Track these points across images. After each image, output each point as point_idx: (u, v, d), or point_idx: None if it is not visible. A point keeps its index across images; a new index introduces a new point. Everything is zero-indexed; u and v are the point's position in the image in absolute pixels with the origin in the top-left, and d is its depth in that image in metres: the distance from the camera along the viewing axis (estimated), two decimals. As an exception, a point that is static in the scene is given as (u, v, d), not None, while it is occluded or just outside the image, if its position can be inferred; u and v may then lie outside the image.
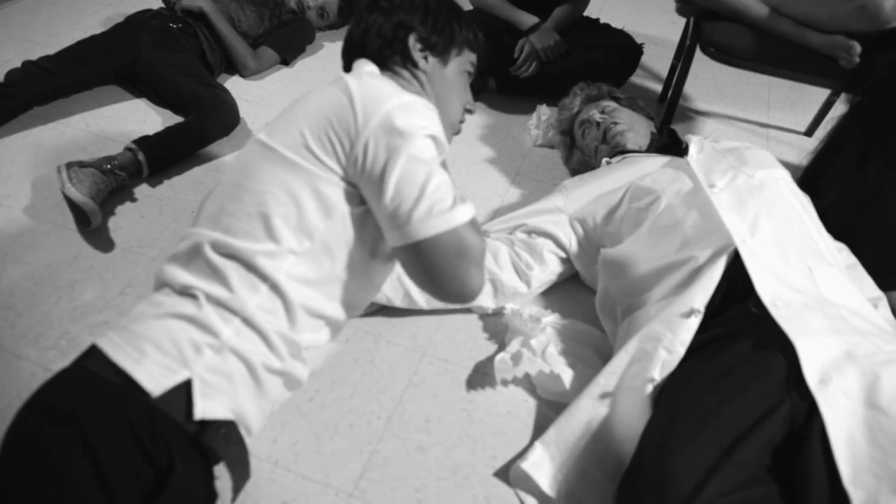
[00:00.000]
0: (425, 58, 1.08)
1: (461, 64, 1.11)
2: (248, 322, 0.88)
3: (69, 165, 1.63)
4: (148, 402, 0.79)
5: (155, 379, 0.81)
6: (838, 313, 1.20)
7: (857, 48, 1.61)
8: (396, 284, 1.37)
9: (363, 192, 0.92)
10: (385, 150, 0.87)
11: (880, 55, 1.55)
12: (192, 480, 0.81)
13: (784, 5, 1.70)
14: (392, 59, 1.07)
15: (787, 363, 1.11)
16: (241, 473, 0.89)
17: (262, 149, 0.94)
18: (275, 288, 0.89)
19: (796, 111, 2.27)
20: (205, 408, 0.82)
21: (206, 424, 0.83)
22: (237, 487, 0.90)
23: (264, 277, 0.89)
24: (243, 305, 0.88)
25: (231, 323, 0.87)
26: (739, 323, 1.21)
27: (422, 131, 0.89)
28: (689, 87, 2.36)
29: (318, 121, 0.90)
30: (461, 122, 1.15)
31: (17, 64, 1.92)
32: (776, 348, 1.13)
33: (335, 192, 0.90)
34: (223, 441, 0.84)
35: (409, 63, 1.07)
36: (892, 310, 1.48)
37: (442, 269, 0.88)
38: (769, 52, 1.70)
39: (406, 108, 0.89)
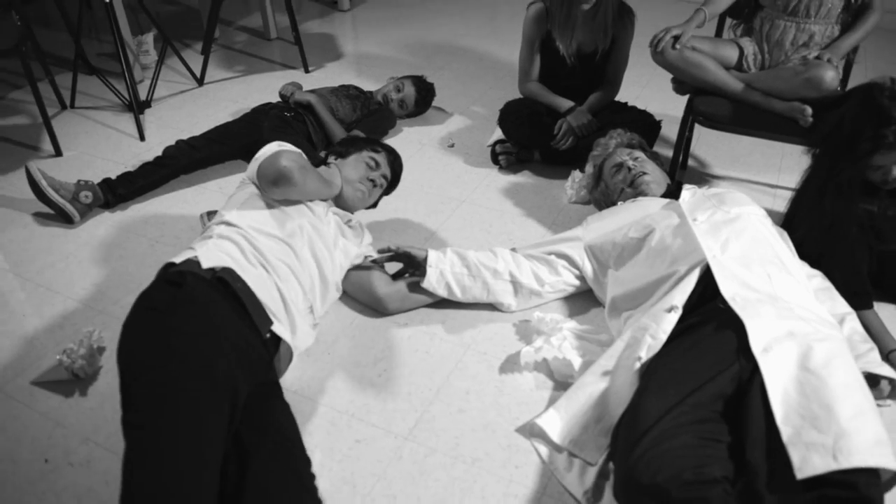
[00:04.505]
0: (334, 159, 2.01)
1: (358, 158, 1.99)
2: (223, 234, 1.63)
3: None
4: (179, 267, 1.50)
5: (181, 259, 1.53)
6: (787, 306, 1.54)
7: (809, 110, 2.01)
8: (439, 277, 1.82)
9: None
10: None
11: (828, 114, 1.93)
12: (203, 288, 1.44)
13: (754, 81, 2.13)
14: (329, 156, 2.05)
15: (738, 338, 1.46)
16: (254, 303, 1.49)
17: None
18: (228, 224, 1.66)
19: (804, 175, 2.60)
20: (206, 260, 1.51)
21: (217, 272, 1.48)
22: (259, 319, 1.49)
23: (225, 221, 1.67)
24: (218, 227, 1.66)
25: (219, 229, 1.65)
26: (708, 315, 1.56)
27: (278, 148, 1.75)
28: (710, 157, 2.76)
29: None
30: (363, 184, 1.95)
31: (167, 146, 2.56)
32: (732, 329, 1.48)
33: (252, 188, 1.77)
34: (230, 275, 1.49)
35: (329, 160, 2.02)
36: (862, 325, 1.77)
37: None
38: (744, 117, 2.12)
39: (273, 147, 1.76)
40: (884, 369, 1.63)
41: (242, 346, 1.40)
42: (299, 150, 1.80)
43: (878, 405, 1.64)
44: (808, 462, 1.24)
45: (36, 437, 1.57)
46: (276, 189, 1.68)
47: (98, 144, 2.85)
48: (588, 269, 1.93)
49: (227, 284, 1.47)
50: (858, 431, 1.25)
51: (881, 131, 1.70)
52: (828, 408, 1.29)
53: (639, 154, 2.13)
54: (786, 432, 1.30)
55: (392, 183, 2.09)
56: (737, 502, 1.26)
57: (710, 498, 1.22)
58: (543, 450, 1.54)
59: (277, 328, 1.54)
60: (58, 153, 2.76)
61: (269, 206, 1.73)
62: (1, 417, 1.62)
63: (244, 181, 1.82)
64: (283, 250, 1.65)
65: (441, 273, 1.84)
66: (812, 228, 1.85)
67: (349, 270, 1.92)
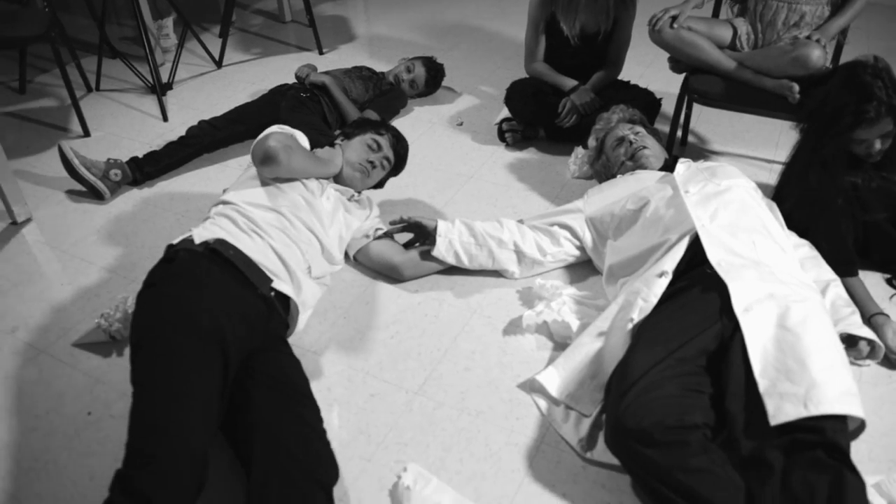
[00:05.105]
0: (341, 139, 2.14)
1: (361, 140, 2.10)
2: (219, 211, 1.80)
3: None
4: (175, 246, 1.66)
5: (178, 240, 1.70)
6: (769, 271, 1.65)
7: (796, 87, 2.11)
8: (448, 246, 1.95)
9: None
10: None
11: (814, 91, 2.02)
12: (195, 259, 1.60)
13: (745, 60, 2.23)
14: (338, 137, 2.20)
15: (722, 300, 1.58)
16: (248, 266, 1.63)
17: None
18: (225, 203, 1.82)
19: (801, 151, 2.70)
20: (199, 237, 1.66)
21: (210, 244, 1.63)
22: (256, 278, 1.62)
23: (222, 201, 1.84)
24: (216, 207, 1.83)
25: (217, 208, 1.82)
26: (695, 279, 1.68)
27: (274, 130, 1.88)
28: (710, 134, 2.85)
29: None
30: (362, 166, 2.07)
31: (189, 126, 2.69)
32: (716, 291, 1.60)
33: (253, 169, 1.91)
34: (221, 245, 1.63)
35: (336, 141, 2.16)
36: (847, 291, 1.87)
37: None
38: (736, 94, 2.23)
39: (269, 130, 1.90)
40: (862, 331, 1.74)
41: (239, 305, 1.54)
42: (292, 132, 1.93)
43: (859, 365, 1.77)
44: (781, 410, 1.36)
45: (79, 392, 1.72)
46: (264, 168, 1.82)
47: (124, 125, 2.99)
48: (588, 239, 2.05)
49: (219, 253, 1.62)
50: (828, 383, 1.37)
51: (863, 107, 1.79)
52: (801, 361, 1.41)
53: (639, 129, 2.23)
54: (763, 384, 1.42)
55: (397, 165, 2.19)
56: (717, 447, 1.39)
57: (690, 441, 1.35)
58: (542, 403, 1.67)
59: (279, 285, 1.67)
60: (86, 134, 2.90)
61: (265, 183, 1.87)
62: (47, 376, 1.77)
63: (250, 163, 1.94)
64: (275, 217, 1.79)
65: (450, 242, 1.97)
66: (799, 200, 1.96)
67: (366, 244, 2.05)
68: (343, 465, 1.51)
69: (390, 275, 2.06)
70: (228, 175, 2.61)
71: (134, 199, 2.48)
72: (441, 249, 1.97)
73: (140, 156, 2.56)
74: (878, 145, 1.86)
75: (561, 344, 1.83)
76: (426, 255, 2.02)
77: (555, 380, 1.68)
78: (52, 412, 1.67)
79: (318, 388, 1.70)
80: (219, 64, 3.55)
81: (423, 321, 1.92)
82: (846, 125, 1.82)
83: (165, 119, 3.01)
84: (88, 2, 3.47)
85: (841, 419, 1.37)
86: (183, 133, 2.67)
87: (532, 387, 1.70)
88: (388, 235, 2.08)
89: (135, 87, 3.31)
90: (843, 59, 2.39)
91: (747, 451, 1.37)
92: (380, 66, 3.22)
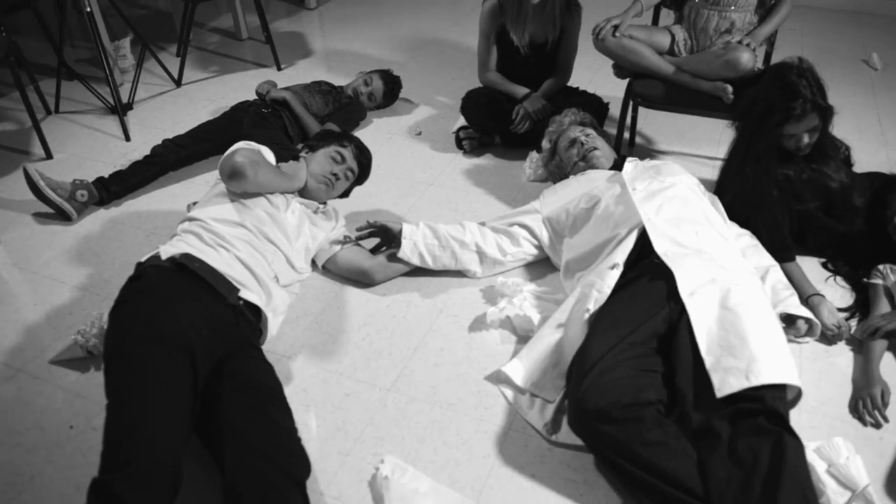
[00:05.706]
0: (306, 152, 2.17)
1: (325, 153, 2.14)
2: (185, 228, 1.84)
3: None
4: (143, 264, 1.73)
5: (146, 258, 1.76)
6: (711, 257, 1.78)
7: (730, 88, 2.28)
8: (413, 248, 2.05)
9: None
10: None
11: (746, 91, 2.18)
12: (161, 275, 1.67)
13: (683, 64, 2.39)
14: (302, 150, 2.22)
15: (669, 286, 1.70)
16: (214, 277, 1.69)
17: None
18: (191, 220, 1.87)
19: (741, 147, 2.87)
20: (165, 253, 1.72)
21: (176, 259, 1.69)
22: (223, 288, 1.68)
23: (188, 217, 1.89)
24: (182, 224, 1.87)
25: (183, 225, 1.86)
26: (644, 269, 1.80)
27: (241, 146, 1.93)
28: (656, 134, 3.01)
29: None
30: (326, 178, 2.09)
31: (152, 145, 2.74)
32: (663, 279, 1.73)
33: (221, 185, 1.97)
34: (189, 260, 1.69)
35: (299, 154, 2.19)
36: (785, 275, 2.02)
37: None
38: (676, 97, 2.39)
39: (236, 146, 1.95)
40: (800, 311, 1.88)
41: (206, 314, 1.60)
42: (258, 148, 1.98)
43: (798, 342, 1.91)
44: (725, 383, 1.49)
45: (60, 407, 1.77)
46: (232, 183, 1.87)
47: (86, 146, 3.01)
48: (545, 238, 2.17)
49: (186, 267, 1.68)
50: (767, 356, 1.51)
51: (790, 104, 1.95)
52: (742, 338, 1.54)
53: (590, 131, 2.37)
54: (708, 361, 1.55)
55: (361, 175, 2.24)
56: (670, 421, 1.51)
57: (645, 417, 1.47)
58: (509, 393, 1.78)
59: (246, 294, 1.73)
60: (48, 156, 2.92)
61: (231, 199, 1.92)
62: (27, 394, 1.81)
63: (218, 179, 1.98)
64: (240, 232, 1.84)
65: (414, 244, 2.07)
66: (738, 193, 2.11)
67: (334, 253, 2.13)
68: (322, 461, 1.59)
69: (361, 279, 2.14)
70: (195, 192, 2.66)
71: (101, 219, 2.51)
72: (406, 251, 2.06)
73: (106, 176, 2.60)
74: (806, 139, 2.02)
75: (524, 337, 1.93)
76: (393, 258, 2.11)
77: (519, 370, 1.78)
78: (33, 428, 1.71)
79: (293, 391, 1.78)
80: (178, 83, 3.59)
81: (393, 322, 2.01)
82: (776, 122, 1.97)
83: (128, 139, 3.04)
84: (42, 24, 3.49)
85: (780, 388, 1.50)
86: (146, 152, 2.72)
87: (498, 378, 1.81)
88: (356, 241, 2.16)
89: (94, 109, 3.33)
90: (774, 61, 2.56)
91: (697, 423, 1.49)
92: (338, 81, 3.30)
